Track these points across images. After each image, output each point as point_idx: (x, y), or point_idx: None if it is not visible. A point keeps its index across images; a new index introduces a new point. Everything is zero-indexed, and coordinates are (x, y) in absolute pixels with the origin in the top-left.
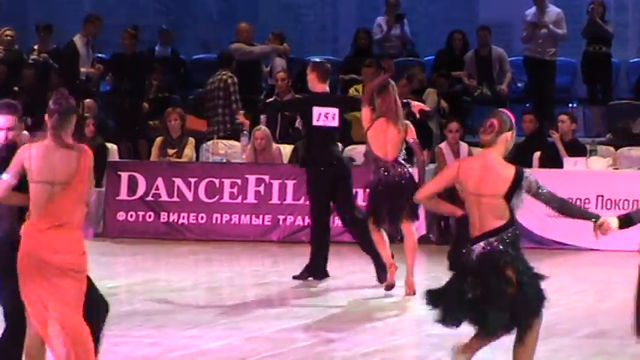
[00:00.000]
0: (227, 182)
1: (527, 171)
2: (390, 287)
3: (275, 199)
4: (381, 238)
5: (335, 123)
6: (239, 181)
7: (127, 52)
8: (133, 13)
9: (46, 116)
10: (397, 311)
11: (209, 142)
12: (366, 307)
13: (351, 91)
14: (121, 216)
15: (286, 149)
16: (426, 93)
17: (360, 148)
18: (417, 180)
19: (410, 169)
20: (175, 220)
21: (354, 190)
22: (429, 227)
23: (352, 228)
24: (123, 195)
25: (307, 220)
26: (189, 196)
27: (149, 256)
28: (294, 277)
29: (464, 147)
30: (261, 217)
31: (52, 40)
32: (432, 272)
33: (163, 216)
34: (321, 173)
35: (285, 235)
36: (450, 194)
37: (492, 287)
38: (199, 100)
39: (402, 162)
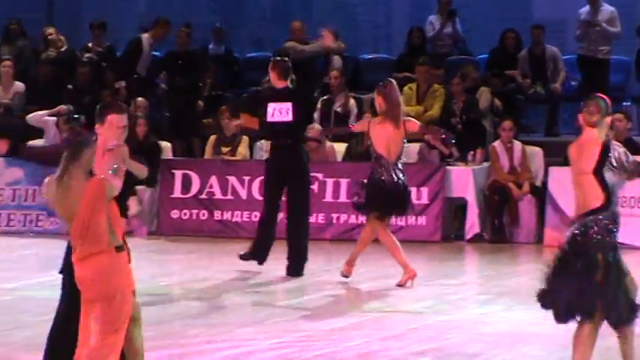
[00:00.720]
0: None
1: (615, 143)
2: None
3: (329, 197)
4: (393, 243)
5: (289, 118)
6: None
7: (181, 51)
8: (186, 11)
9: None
10: (451, 310)
11: (263, 140)
12: (419, 307)
13: (405, 90)
14: (175, 214)
15: (340, 147)
16: (479, 92)
17: (414, 147)
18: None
19: (404, 180)
20: (229, 219)
21: (311, 188)
22: (482, 226)
23: (290, 228)
24: (177, 193)
25: (361, 219)
26: (243, 194)
27: (203, 255)
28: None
29: (517, 145)
30: (314, 215)
31: (106, 38)
32: (485, 271)
33: (217, 214)
34: (272, 168)
35: (338, 234)
36: (504, 195)
37: (577, 271)
38: None
39: (401, 168)
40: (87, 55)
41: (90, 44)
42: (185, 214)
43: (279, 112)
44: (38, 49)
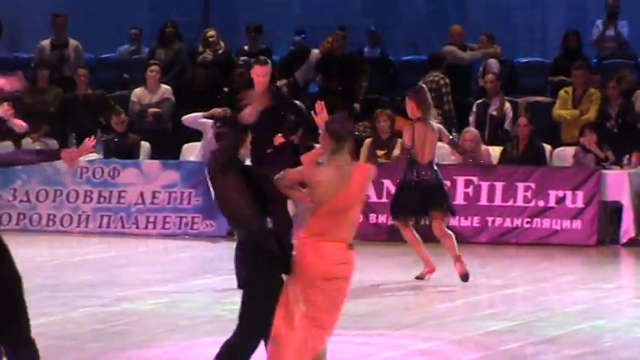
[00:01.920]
0: None
1: None
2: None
3: (484, 201)
4: (414, 238)
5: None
6: (448, 183)
7: (337, 54)
8: (341, 14)
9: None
10: (607, 314)
11: None
12: (574, 310)
13: (561, 94)
14: None
15: (495, 151)
16: (635, 95)
17: (569, 150)
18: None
19: (440, 176)
20: (384, 222)
21: None
22: (638, 230)
23: None
24: None
25: (516, 222)
26: None
27: (357, 257)
28: None
29: None
30: (469, 218)
31: (262, 40)
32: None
33: (372, 217)
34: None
35: (493, 237)
36: None
37: None
38: None
39: (435, 167)
40: (242, 57)
41: (245, 47)
42: None
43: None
44: (194, 51)
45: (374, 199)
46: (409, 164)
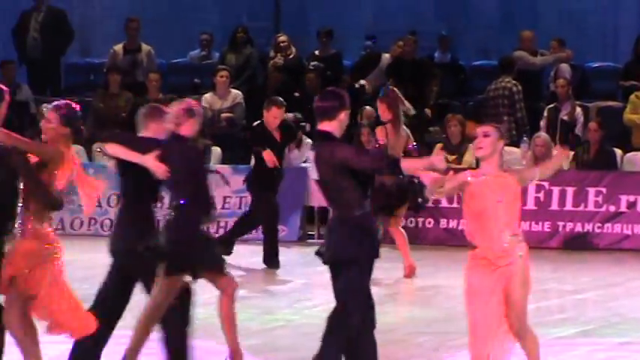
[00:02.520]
0: None
1: None
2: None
3: (554, 206)
4: (403, 239)
5: None
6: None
7: (407, 58)
8: (412, 18)
9: None
10: None
11: None
12: None
13: (631, 99)
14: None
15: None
16: None
17: None
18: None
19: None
20: (455, 227)
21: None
22: None
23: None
24: None
25: (587, 227)
26: None
27: (428, 262)
28: None
29: None
30: (540, 223)
31: (332, 45)
32: None
33: (443, 222)
34: None
35: (564, 242)
36: None
37: None
38: (479, 107)
39: None
40: (313, 62)
41: (316, 52)
42: (411, 222)
43: None
44: (265, 56)
45: (445, 204)
46: None
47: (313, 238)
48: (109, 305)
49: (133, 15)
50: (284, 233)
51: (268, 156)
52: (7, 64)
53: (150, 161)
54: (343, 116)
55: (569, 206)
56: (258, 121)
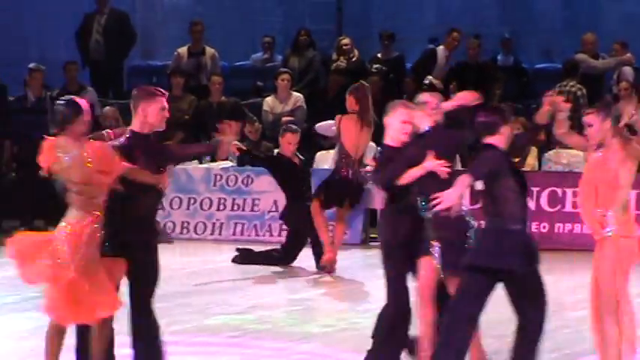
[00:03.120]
0: (569, 192)
1: None
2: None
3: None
4: (324, 223)
5: None
6: None
7: (471, 61)
8: (476, 21)
9: None
10: None
11: (551, 152)
12: None
13: None
14: None
15: None
16: None
17: None
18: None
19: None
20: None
21: None
22: None
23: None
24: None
25: None
26: (532, 204)
27: None
28: None
29: None
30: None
31: (395, 48)
32: None
33: None
34: None
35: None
36: None
37: None
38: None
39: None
40: (376, 65)
41: (379, 54)
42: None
43: None
44: (327, 59)
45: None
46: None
47: (376, 241)
48: None
49: (194, 18)
50: (347, 236)
51: None
52: (69, 64)
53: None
54: (505, 130)
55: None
56: (276, 152)
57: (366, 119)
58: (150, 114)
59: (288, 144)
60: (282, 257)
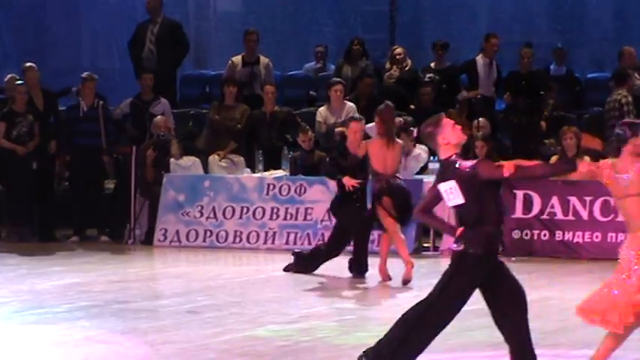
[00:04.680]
0: None
1: None
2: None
3: None
4: (403, 241)
5: None
6: None
7: (524, 71)
8: (528, 30)
9: None
10: None
11: (607, 160)
12: None
13: None
14: (516, 234)
15: None
16: None
17: None
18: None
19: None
20: (570, 239)
21: None
22: None
23: None
24: (518, 213)
25: None
26: (585, 214)
27: (543, 274)
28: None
29: None
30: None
31: (448, 58)
32: None
33: (558, 234)
34: None
35: None
36: None
37: None
38: (594, 119)
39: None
40: (428, 75)
41: (432, 64)
42: (527, 234)
43: None
44: (380, 68)
45: (560, 216)
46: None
47: (428, 251)
48: None
49: (247, 27)
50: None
51: (348, 181)
52: (144, 74)
53: None
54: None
55: None
56: (339, 143)
57: (392, 137)
58: None
59: (354, 133)
60: (326, 252)
